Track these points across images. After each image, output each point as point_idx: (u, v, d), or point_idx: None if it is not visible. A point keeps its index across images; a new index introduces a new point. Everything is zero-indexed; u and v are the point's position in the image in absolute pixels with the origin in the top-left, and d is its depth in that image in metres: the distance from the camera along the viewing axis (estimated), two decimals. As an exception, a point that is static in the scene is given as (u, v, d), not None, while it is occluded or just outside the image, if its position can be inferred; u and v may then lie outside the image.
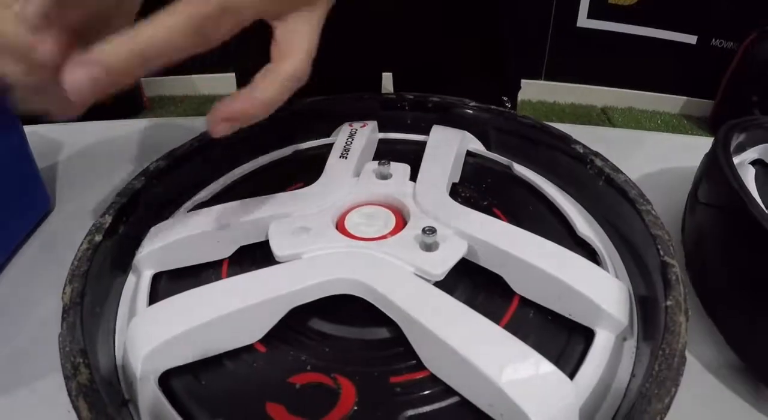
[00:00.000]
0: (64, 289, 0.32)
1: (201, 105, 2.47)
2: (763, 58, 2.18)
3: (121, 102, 2.38)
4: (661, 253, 0.34)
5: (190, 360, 0.31)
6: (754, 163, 0.57)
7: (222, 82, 2.49)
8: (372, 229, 0.37)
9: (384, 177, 0.42)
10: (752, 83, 2.22)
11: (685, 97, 2.47)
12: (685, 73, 2.41)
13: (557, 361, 0.30)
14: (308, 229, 0.36)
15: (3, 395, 0.36)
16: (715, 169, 0.48)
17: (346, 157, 0.44)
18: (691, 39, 2.32)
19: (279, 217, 0.38)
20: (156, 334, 0.30)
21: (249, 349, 0.32)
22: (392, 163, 0.43)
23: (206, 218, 0.38)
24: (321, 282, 0.32)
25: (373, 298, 0.32)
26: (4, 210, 0.46)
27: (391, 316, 0.31)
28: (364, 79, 0.76)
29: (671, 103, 2.49)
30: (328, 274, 0.33)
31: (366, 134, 0.47)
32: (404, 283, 0.32)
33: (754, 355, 0.42)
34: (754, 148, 0.59)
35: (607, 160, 0.42)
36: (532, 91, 2.44)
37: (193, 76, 2.53)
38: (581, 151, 0.43)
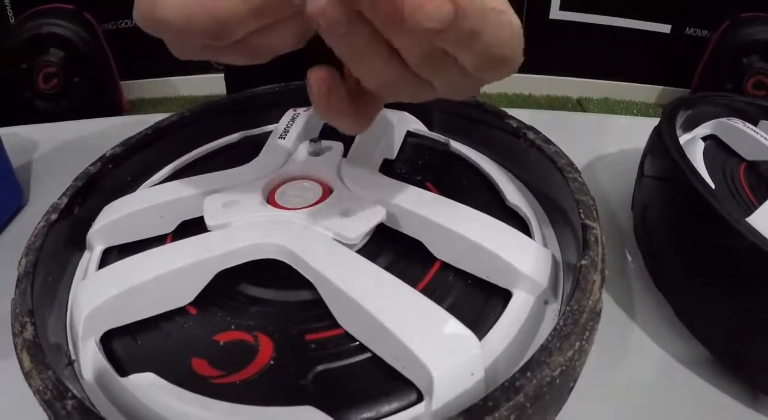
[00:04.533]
0: (20, 261, 0.35)
1: (180, 107, 2.47)
2: (737, 46, 2.21)
3: (101, 105, 2.38)
4: (582, 216, 0.34)
5: (128, 321, 0.33)
6: (706, 138, 0.58)
7: (202, 83, 2.49)
8: (299, 200, 0.38)
9: (316, 154, 0.43)
10: (727, 70, 2.24)
11: (660, 87, 2.49)
12: (660, 62, 2.43)
13: (472, 320, 0.31)
14: (239, 202, 0.38)
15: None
16: (659, 142, 0.49)
17: (284, 138, 0.45)
18: (665, 28, 2.34)
19: (215, 192, 0.40)
20: (96, 296, 0.32)
21: (181, 311, 0.34)
22: (326, 141, 0.44)
23: (151, 196, 0.41)
24: (244, 246, 0.34)
25: (292, 261, 0.33)
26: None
27: (307, 277, 0.33)
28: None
29: (647, 92, 2.51)
30: (251, 239, 0.34)
31: (307, 117, 0.48)
32: (321, 246, 0.33)
33: (702, 326, 0.43)
34: (707, 123, 0.60)
35: (539, 133, 0.43)
36: (507, 84, 2.44)
37: (173, 78, 2.53)
38: (515, 125, 0.44)
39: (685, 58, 2.35)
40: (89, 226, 0.41)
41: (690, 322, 0.44)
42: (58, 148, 0.69)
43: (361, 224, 0.34)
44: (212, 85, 2.44)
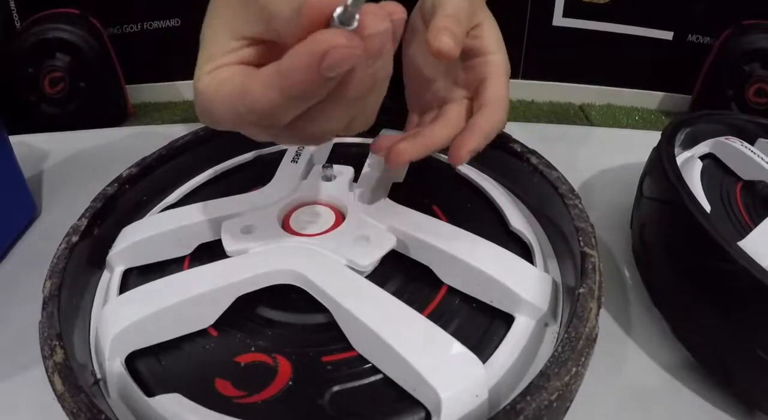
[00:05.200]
0: (44, 283, 0.36)
1: (185, 111, 2.49)
2: (739, 53, 2.22)
3: (106, 109, 2.39)
4: (582, 243, 0.36)
5: (152, 342, 0.35)
6: (705, 157, 0.60)
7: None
8: (313, 226, 0.40)
9: (328, 179, 0.44)
10: (728, 78, 2.25)
11: (662, 93, 2.50)
12: (662, 69, 2.44)
13: (477, 344, 0.33)
14: (255, 227, 0.40)
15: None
16: (657, 164, 0.51)
17: (296, 162, 0.47)
18: (668, 35, 2.35)
19: (232, 216, 0.41)
20: (122, 319, 0.34)
21: (203, 333, 0.36)
22: (337, 166, 0.45)
23: (169, 219, 0.43)
24: (262, 273, 0.36)
25: (308, 288, 0.35)
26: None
27: (324, 303, 0.34)
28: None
29: (649, 99, 2.52)
30: (269, 266, 0.36)
31: (317, 139, 0.50)
32: (335, 274, 0.35)
33: (696, 343, 0.45)
34: (705, 142, 0.61)
35: (542, 158, 0.45)
36: (510, 90, 2.43)
37: (178, 82, 2.55)
38: (519, 149, 0.45)
39: (687, 64, 2.36)
40: (108, 246, 0.42)
41: (686, 339, 0.46)
42: (68, 158, 0.70)
43: (373, 252, 0.36)
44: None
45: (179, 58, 2.40)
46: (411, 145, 0.37)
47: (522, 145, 0.46)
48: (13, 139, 0.57)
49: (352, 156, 0.48)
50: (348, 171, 0.45)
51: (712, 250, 0.40)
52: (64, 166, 0.69)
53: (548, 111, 2.49)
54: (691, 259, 0.43)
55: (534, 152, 0.45)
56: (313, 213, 0.41)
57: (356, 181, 0.44)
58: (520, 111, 2.46)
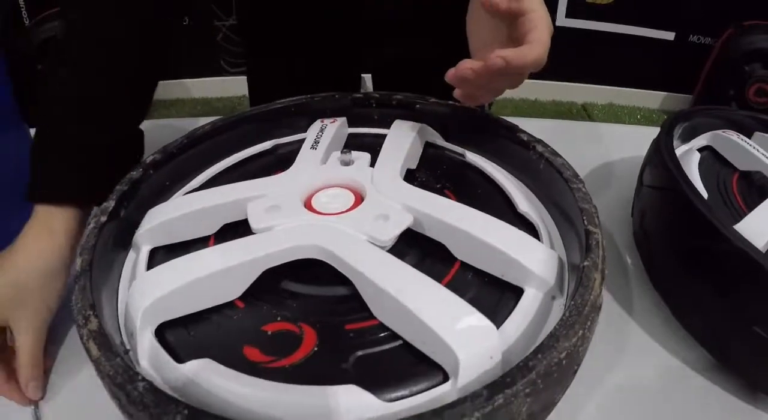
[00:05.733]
0: (75, 260, 0.38)
1: (193, 108, 2.51)
2: (740, 53, 2.23)
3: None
4: (586, 222, 0.38)
5: (182, 313, 0.37)
6: (703, 149, 0.62)
7: (215, 85, 2.52)
8: (334, 206, 0.42)
9: (347, 163, 0.47)
10: (729, 78, 2.26)
11: (664, 93, 2.52)
12: (664, 69, 2.46)
13: (490, 313, 0.35)
14: (280, 207, 0.42)
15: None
16: (657, 155, 0.53)
17: (315, 148, 0.49)
18: (669, 35, 2.37)
19: (256, 198, 0.43)
20: (152, 292, 0.36)
21: (230, 305, 0.38)
22: (354, 152, 0.48)
23: (196, 200, 0.45)
24: (288, 247, 0.38)
25: (332, 261, 0.38)
26: (11, 205, 0.51)
27: (346, 274, 0.37)
28: (344, 80, 0.81)
29: (651, 98, 2.54)
30: (295, 241, 0.38)
31: (335, 128, 0.52)
32: (357, 247, 0.37)
33: (695, 323, 0.47)
34: (703, 134, 0.64)
35: (548, 146, 0.47)
36: (514, 89, 2.47)
37: (186, 80, 2.57)
38: (525, 138, 0.48)
39: (688, 64, 2.38)
40: (133, 227, 0.44)
41: (685, 320, 0.48)
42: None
43: (393, 228, 0.39)
44: (225, 87, 2.49)
45: (188, 56, 2.43)
46: (471, 61, 0.44)
47: (529, 134, 0.48)
48: (33, 131, 0.59)
49: (368, 144, 0.51)
50: (365, 156, 0.48)
51: (710, 232, 0.42)
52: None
53: (551, 110, 2.51)
54: (689, 242, 0.46)
55: (540, 141, 0.47)
56: (333, 194, 0.44)
57: (373, 166, 0.46)
58: (524, 110, 2.48)
